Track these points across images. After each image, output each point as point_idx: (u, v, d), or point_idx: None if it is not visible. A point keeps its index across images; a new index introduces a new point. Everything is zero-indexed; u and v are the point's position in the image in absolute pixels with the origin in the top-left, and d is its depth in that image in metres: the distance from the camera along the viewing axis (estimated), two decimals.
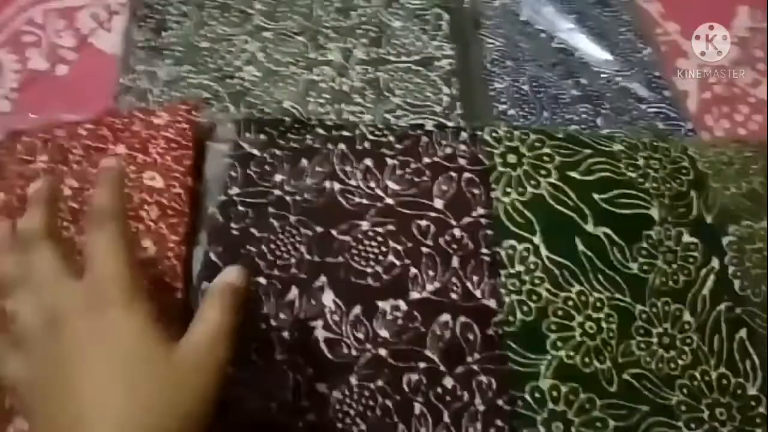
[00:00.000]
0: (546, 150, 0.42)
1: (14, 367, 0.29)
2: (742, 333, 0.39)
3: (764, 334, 0.39)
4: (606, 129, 0.49)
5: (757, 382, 0.38)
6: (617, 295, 0.39)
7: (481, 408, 0.36)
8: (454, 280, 0.40)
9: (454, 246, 0.41)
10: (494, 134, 0.43)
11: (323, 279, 0.40)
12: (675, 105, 0.51)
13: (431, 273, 0.40)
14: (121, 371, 0.27)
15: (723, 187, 0.44)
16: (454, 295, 0.39)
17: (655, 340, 0.39)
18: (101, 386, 0.26)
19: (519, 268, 0.39)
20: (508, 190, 0.41)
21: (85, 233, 0.29)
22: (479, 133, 0.44)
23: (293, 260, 0.41)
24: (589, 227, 0.40)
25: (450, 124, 0.47)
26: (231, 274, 0.34)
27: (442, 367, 0.38)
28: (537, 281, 0.39)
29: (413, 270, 0.40)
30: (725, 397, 0.37)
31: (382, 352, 0.38)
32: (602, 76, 0.53)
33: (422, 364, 0.38)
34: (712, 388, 0.38)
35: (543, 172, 0.42)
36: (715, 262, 0.41)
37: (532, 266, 0.39)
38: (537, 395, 0.36)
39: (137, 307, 0.28)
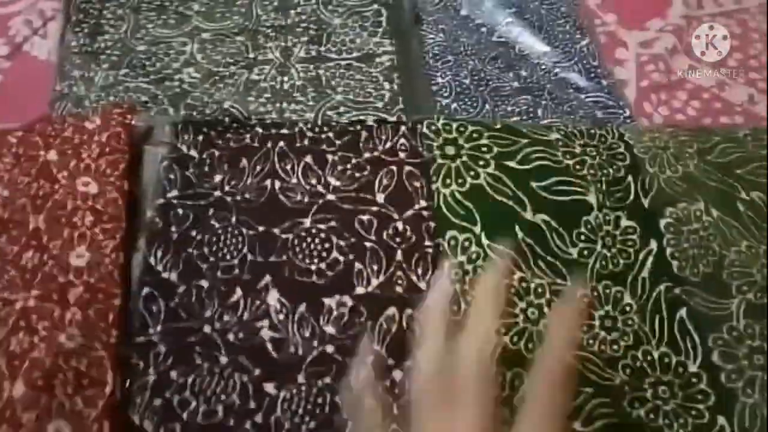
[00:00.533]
0: (484, 141, 0.43)
1: None
2: (682, 312, 0.40)
3: (703, 313, 0.40)
4: (546, 119, 0.50)
5: (697, 360, 0.39)
6: (558, 281, 0.39)
7: None
8: (399, 273, 0.40)
9: (398, 239, 0.41)
10: (432, 127, 0.43)
11: (267, 278, 0.40)
12: (613, 93, 0.52)
13: (375, 267, 0.40)
14: None
15: (659, 171, 0.45)
16: (399, 289, 0.39)
17: (597, 323, 0.39)
18: None
19: (461, 258, 0.39)
20: (448, 181, 0.41)
21: None
22: (418, 126, 0.45)
23: (236, 261, 0.40)
24: (528, 215, 0.41)
25: (392, 119, 0.47)
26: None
27: (390, 361, 0.38)
28: (479, 270, 0.39)
29: (358, 265, 0.40)
30: (667, 376, 0.38)
31: (329, 348, 0.38)
32: (542, 67, 0.54)
33: (370, 359, 0.37)
34: (654, 367, 0.38)
35: (481, 162, 0.42)
36: (653, 244, 0.42)
37: (473, 256, 0.39)
38: None
39: None
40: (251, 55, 0.52)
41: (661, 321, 0.40)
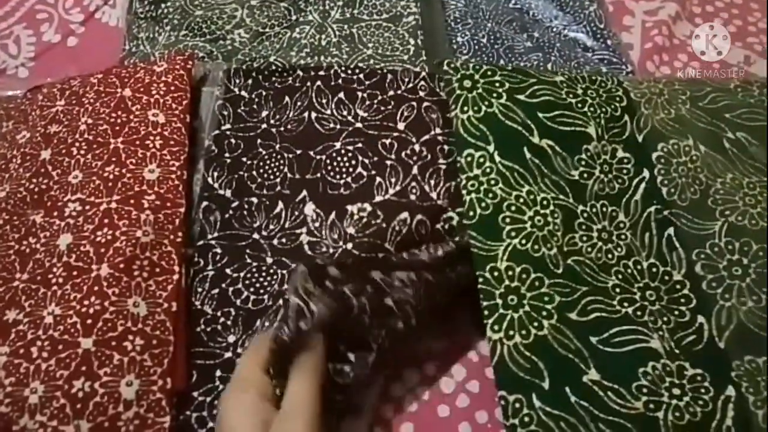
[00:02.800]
0: (496, 78, 0.49)
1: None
2: (670, 231, 0.45)
3: (689, 232, 0.45)
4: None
5: (682, 270, 0.44)
6: (561, 197, 0.45)
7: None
8: (413, 184, 0.46)
9: (414, 158, 0.47)
10: (452, 65, 0.49)
11: (304, 193, 0.46)
12: (617, 52, 0.58)
13: (393, 180, 0.46)
14: None
15: (653, 112, 0.50)
16: (412, 197, 0.46)
17: (595, 234, 0.45)
18: None
19: (476, 171, 0.45)
20: (465, 108, 0.47)
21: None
22: (440, 67, 0.51)
23: (278, 180, 0.47)
24: (535, 139, 0.46)
25: (417, 69, 0.53)
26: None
27: (396, 258, 0.43)
28: (492, 182, 0.44)
29: (378, 179, 0.46)
30: (654, 282, 0.43)
31: (349, 245, 0.44)
32: (552, 29, 0.60)
33: (381, 255, 0.43)
34: (643, 274, 0.44)
35: (494, 94, 0.48)
36: (645, 173, 0.47)
37: (487, 170, 0.45)
38: (495, 274, 0.42)
39: None
40: (293, 17, 0.59)
41: (650, 237, 0.45)
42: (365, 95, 0.50)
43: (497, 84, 0.48)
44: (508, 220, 0.43)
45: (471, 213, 0.43)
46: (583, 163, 0.47)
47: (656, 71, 0.60)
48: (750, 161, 0.49)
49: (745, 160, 0.49)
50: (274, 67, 0.52)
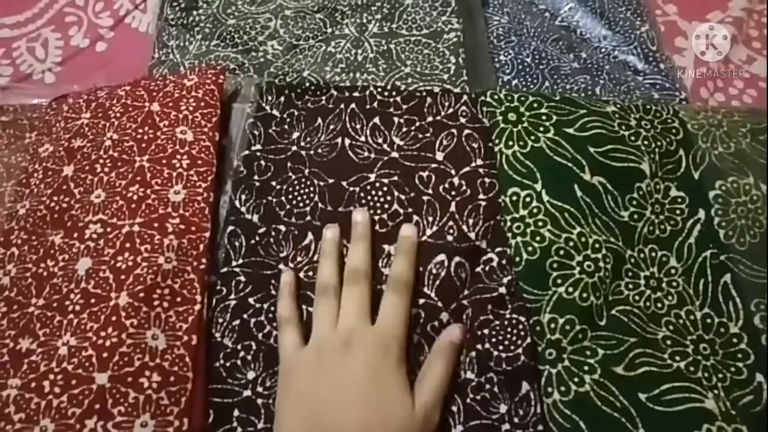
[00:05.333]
0: (543, 110, 0.46)
1: (290, 344, 0.38)
2: (726, 278, 0.42)
3: (747, 280, 0.42)
4: (604, 98, 0.52)
5: (739, 322, 0.41)
6: (611, 239, 0.42)
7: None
8: (450, 223, 0.43)
9: (453, 193, 0.44)
10: (495, 97, 0.46)
11: (336, 226, 0.44)
12: (670, 76, 0.54)
13: (430, 219, 0.44)
14: (375, 405, 0.35)
15: (711, 146, 0.47)
16: (449, 237, 0.43)
17: (642, 282, 0.41)
18: (355, 409, 0.34)
19: (523, 212, 0.42)
20: (510, 143, 0.44)
21: (386, 291, 0.40)
22: (482, 97, 0.48)
23: (308, 209, 0.45)
24: (586, 176, 0.43)
25: (456, 90, 0.51)
26: (454, 333, 0.39)
27: (439, 303, 0.41)
28: (540, 224, 0.42)
29: (415, 218, 0.44)
30: (709, 334, 0.40)
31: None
32: (601, 50, 0.57)
33: (421, 301, 0.41)
34: (696, 326, 0.40)
35: (541, 128, 0.45)
36: (701, 214, 0.44)
37: (535, 210, 0.42)
38: (537, 328, 0.39)
39: (403, 366, 0.37)
40: (329, 30, 0.56)
41: (705, 284, 0.42)
42: (402, 121, 0.47)
43: (544, 117, 0.45)
44: (555, 265, 0.40)
45: (517, 259, 0.41)
46: (634, 203, 0.43)
47: (710, 98, 0.56)
48: None
49: None
50: (307, 84, 0.49)
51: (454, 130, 0.47)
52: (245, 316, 0.41)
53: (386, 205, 0.44)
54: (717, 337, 0.40)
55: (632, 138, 0.45)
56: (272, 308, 0.41)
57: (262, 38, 0.57)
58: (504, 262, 0.42)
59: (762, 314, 0.41)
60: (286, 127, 0.48)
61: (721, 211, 0.44)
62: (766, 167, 0.46)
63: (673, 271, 0.42)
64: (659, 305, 0.41)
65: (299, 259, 0.43)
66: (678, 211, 0.44)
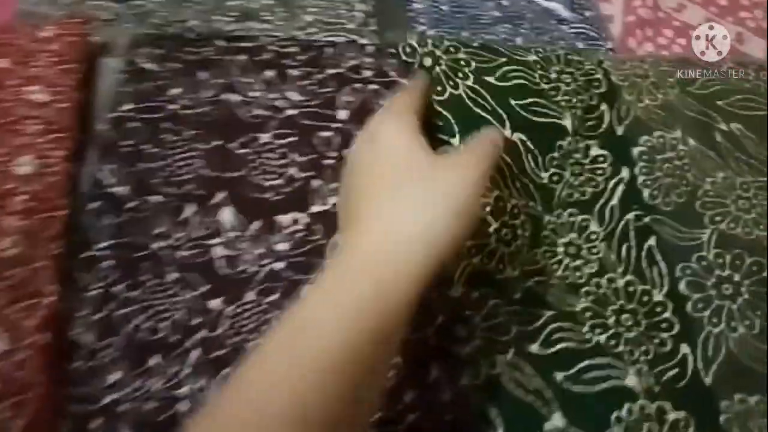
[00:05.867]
0: (461, 55, 0.41)
1: None
2: (651, 241, 0.39)
3: (673, 242, 0.39)
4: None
5: (663, 289, 0.37)
6: (530, 203, 0.38)
7: None
8: None
9: None
10: (406, 47, 0.41)
11: (221, 195, 0.38)
12: (596, 25, 0.50)
13: (334, 185, 0.38)
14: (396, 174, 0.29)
15: (637, 99, 0.43)
16: None
17: (560, 249, 0.38)
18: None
19: None
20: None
21: None
22: (392, 49, 0.43)
23: (189, 176, 0.39)
24: (507, 132, 0.39)
25: (363, 41, 0.45)
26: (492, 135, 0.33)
27: None
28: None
29: (315, 182, 0.38)
30: (631, 303, 0.37)
31: (279, 265, 0.37)
32: None
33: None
34: (618, 295, 0.37)
35: (460, 75, 0.40)
36: (624, 173, 0.40)
37: None
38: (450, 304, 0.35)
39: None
40: None
41: (628, 249, 0.38)
42: (298, 73, 0.41)
43: (463, 62, 0.40)
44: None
45: None
46: (554, 163, 0.39)
47: (638, 48, 0.52)
48: (744, 157, 0.42)
49: (739, 156, 0.42)
50: (187, 36, 0.43)
51: (358, 85, 0.41)
52: (109, 308, 0.35)
53: (281, 169, 0.39)
54: (640, 306, 0.37)
55: (553, 92, 0.41)
56: (143, 296, 0.36)
57: None
58: None
59: (688, 279, 0.38)
60: (162, 82, 0.41)
61: (646, 169, 0.40)
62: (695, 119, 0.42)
63: (593, 236, 0.38)
64: (578, 274, 0.37)
65: (177, 235, 0.37)
66: (599, 171, 0.40)
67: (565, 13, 0.51)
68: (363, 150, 0.32)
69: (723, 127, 0.43)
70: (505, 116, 0.40)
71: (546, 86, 0.41)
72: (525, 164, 0.39)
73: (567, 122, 0.41)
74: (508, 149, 0.39)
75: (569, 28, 0.50)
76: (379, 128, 0.32)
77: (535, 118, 0.40)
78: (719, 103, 0.44)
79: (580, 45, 0.49)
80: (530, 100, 0.41)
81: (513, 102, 0.40)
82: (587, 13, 0.51)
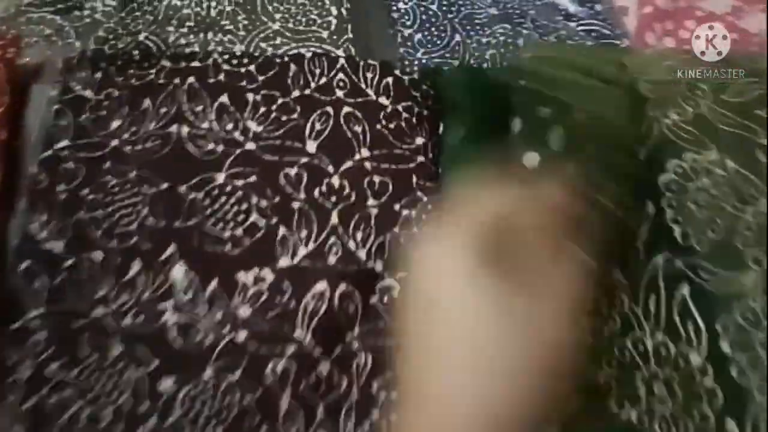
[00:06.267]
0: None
1: None
2: (684, 290, 0.32)
3: (710, 291, 0.32)
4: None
5: (702, 350, 0.31)
6: None
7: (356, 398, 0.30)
8: (333, 239, 0.32)
9: (333, 198, 0.33)
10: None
11: (172, 248, 0.32)
12: (608, 20, 0.44)
13: (304, 233, 0.32)
14: None
15: (662, 114, 0.36)
16: (332, 258, 0.32)
17: None
18: None
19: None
20: None
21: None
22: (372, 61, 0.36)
23: (134, 226, 0.33)
24: None
25: (338, 52, 0.39)
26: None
27: (316, 351, 0.31)
28: None
29: (282, 231, 0.32)
30: (664, 370, 0.31)
31: (241, 336, 0.31)
32: None
33: (291, 348, 0.30)
34: (648, 359, 0.31)
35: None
36: (649, 207, 0.34)
37: None
38: None
39: None
40: None
41: (657, 301, 0.32)
42: (259, 98, 0.35)
43: None
44: None
45: None
46: None
47: (658, 44, 0.46)
48: None
49: None
50: (128, 55, 0.37)
51: (329, 109, 0.35)
52: (44, 392, 0.29)
53: (240, 216, 0.33)
54: (675, 373, 0.31)
55: None
56: (81, 376, 0.30)
57: None
58: None
59: (731, 336, 0.31)
60: (103, 113, 0.35)
61: (676, 202, 0.34)
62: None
63: (615, 287, 0.32)
64: (598, 337, 0.31)
65: (123, 298, 0.32)
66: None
67: (572, 7, 0.44)
68: (415, 293, 0.26)
69: (763, 141, 0.36)
70: None
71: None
72: None
73: None
74: None
75: (578, 25, 0.44)
76: (431, 264, 0.26)
77: None
78: (758, 112, 0.37)
79: (590, 43, 0.43)
80: None
81: None
82: (597, 7, 0.44)
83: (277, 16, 0.41)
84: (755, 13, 0.47)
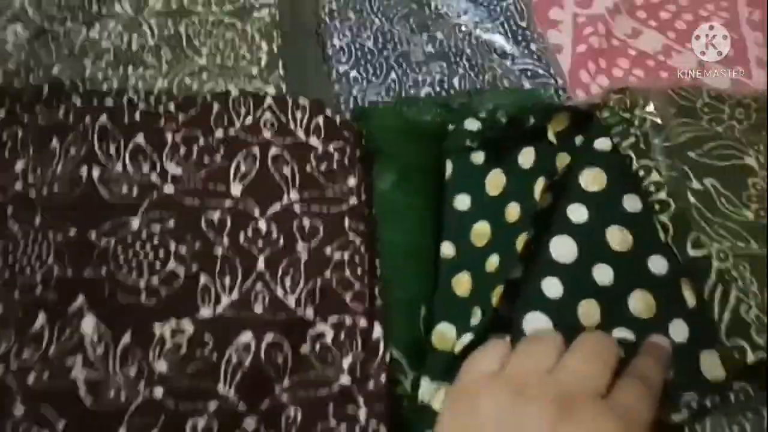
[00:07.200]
0: None
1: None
2: None
3: None
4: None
5: None
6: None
7: None
8: (258, 286, 0.30)
9: (259, 243, 0.31)
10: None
11: (81, 300, 0.30)
12: (544, 60, 0.44)
13: (227, 280, 0.30)
14: None
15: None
16: (258, 308, 0.30)
17: None
18: None
19: None
20: None
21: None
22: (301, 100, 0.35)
23: (39, 277, 0.30)
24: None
25: (269, 89, 0.37)
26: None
27: (241, 406, 0.28)
28: None
29: (203, 279, 0.30)
30: None
31: (158, 392, 0.28)
32: (461, 29, 0.45)
33: (213, 405, 0.28)
34: None
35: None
36: None
37: None
38: None
39: None
40: (94, 9, 0.41)
41: None
42: (179, 139, 0.33)
43: None
44: None
45: None
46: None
47: (591, 82, 0.46)
48: None
49: None
50: (35, 91, 0.34)
51: (255, 149, 0.33)
52: None
53: (157, 264, 0.31)
54: None
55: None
56: None
57: (1, 20, 0.41)
58: (343, 337, 0.30)
59: None
60: (5, 154, 0.33)
61: None
62: None
63: None
64: None
65: (26, 354, 0.29)
66: None
67: (508, 46, 0.44)
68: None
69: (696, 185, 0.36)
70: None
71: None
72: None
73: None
74: None
75: (513, 64, 0.44)
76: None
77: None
78: (691, 154, 0.37)
79: (527, 84, 0.42)
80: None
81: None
82: (533, 46, 0.44)
83: (204, 50, 0.39)
84: (687, 52, 0.49)
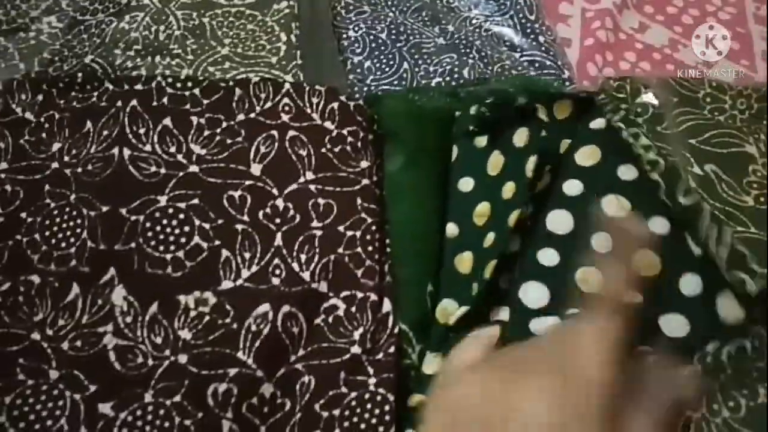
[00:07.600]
0: None
1: None
2: None
3: None
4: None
5: None
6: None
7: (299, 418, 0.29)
8: (276, 261, 0.32)
9: (277, 220, 0.33)
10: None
11: (112, 272, 0.32)
12: (552, 52, 0.45)
13: (247, 255, 0.32)
14: None
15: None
16: (275, 280, 0.32)
17: None
18: None
19: None
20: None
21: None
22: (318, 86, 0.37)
23: (73, 250, 0.32)
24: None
25: (287, 77, 0.39)
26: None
27: (259, 372, 0.30)
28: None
29: (225, 254, 0.32)
30: None
31: (182, 358, 0.30)
32: (471, 22, 0.47)
33: (233, 371, 0.30)
34: None
35: None
36: None
37: None
38: None
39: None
40: (123, 0, 0.43)
41: None
42: (203, 121, 0.35)
43: None
44: None
45: None
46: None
47: (598, 75, 0.47)
48: None
49: None
50: (71, 78, 0.36)
51: (274, 132, 0.35)
52: None
53: (182, 239, 0.33)
54: None
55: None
56: (18, 402, 0.29)
57: (36, 13, 0.44)
58: (354, 309, 0.32)
59: None
60: (43, 135, 0.35)
61: None
62: None
63: None
64: None
65: (61, 322, 0.31)
66: None
67: (517, 38, 0.46)
68: None
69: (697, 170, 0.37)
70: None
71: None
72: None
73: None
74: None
75: (521, 56, 0.45)
76: None
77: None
78: (692, 141, 0.38)
79: (533, 74, 0.44)
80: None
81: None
82: (541, 38, 0.46)
83: (226, 41, 0.41)
84: (690, 46, 0.50)
